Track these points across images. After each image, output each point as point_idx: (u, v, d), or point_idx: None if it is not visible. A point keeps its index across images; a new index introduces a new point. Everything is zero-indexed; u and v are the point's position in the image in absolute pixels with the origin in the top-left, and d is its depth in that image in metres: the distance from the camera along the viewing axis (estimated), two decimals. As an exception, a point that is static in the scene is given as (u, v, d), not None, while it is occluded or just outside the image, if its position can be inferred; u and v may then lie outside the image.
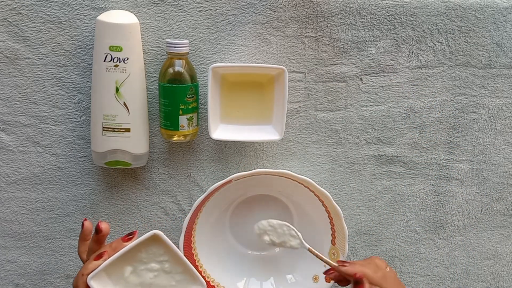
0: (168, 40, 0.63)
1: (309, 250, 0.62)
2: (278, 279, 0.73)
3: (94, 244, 0.54)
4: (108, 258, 0.52)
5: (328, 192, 0.66)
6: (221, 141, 0.69)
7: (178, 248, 0.66)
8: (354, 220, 0.74)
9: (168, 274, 0.56)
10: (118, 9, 0.64)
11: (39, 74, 0.66)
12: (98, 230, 0.53)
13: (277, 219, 0.72)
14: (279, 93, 0.65)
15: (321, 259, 0.60)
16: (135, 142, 0.65)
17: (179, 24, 0.65)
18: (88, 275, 0.51)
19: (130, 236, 0.54)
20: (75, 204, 0.71)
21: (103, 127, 0.63)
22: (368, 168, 0.72)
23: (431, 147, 0.72)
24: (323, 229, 0.70)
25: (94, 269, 0.51)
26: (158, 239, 0.54)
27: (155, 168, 0.70)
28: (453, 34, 0.68)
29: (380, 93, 0.69)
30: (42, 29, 0.64)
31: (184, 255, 0.66)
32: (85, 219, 0.55)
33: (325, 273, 0.59)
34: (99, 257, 0.52)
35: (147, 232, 0.72)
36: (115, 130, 0.63)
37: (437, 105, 0.70)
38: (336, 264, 0.57)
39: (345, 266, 0.56)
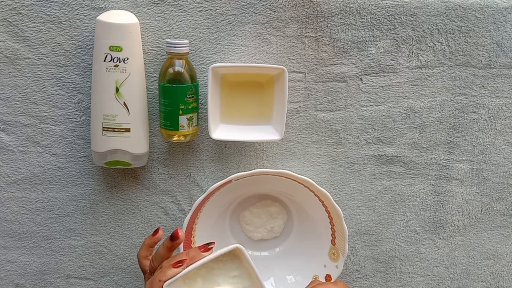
0: (168, 40, 0.63)
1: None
2: (278, 279, 0.73)
3: (165, 250, 0.54)
4: (187, 267, 0.51)
5: (328, 192, 0.66)
6: (221, 141, 0.69)
7: (178, 248, 0.66)
8: (354, 220, 0.74)
9: None
10: (118, 9, 0.64)
11: (39, 74, 0.66)
12: (175, 237, 0.53)
13: (277, 220, 0.72)
14: (279, 93, 0.65)
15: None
16: (135, 142, 0.65)
17: (179, 24, 0.65)
18: (165, 281, 0.51)
19: (210, 247, 0.53)
20: (75, 204, 0.71)
21: (103, 127, 0.63)
22: (368, 168, 0.72)
23: (431, 147, 0.72)
24: (323, 229, 0.70)
25: (173, 276, 0.51)
26: (238, 254, 0.53)
27: (155, 168, 0.70)
28: (453, 34, 0.68)
29: (380, 93, 0.69)
30: (42, 29, 0.64)
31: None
32: (160, 228, 0.56)
33: None
34: (179, 264, 0.52)
35: (147, 232, 0.73)
36: (115, 130, 0.63)
37: (437, 105, 0.70)
38: None
39: None
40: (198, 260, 0.52)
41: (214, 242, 0.54)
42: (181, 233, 0.53)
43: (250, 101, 0.67)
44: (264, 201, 0.72)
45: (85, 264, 0.73)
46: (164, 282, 0.51)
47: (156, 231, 0.55)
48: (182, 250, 0.66)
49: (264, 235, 0.73)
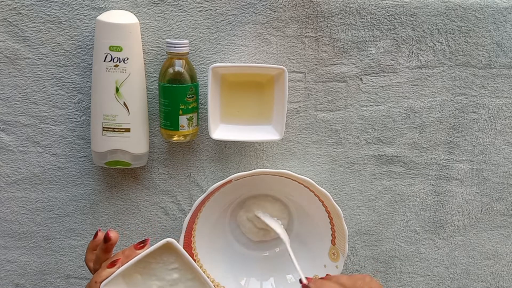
0: (168, 40, 0.63)
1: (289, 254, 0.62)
2: (278, 279, 0.73)
3: (102, 252, 0.54)
4: (122, 265, 0.52)
5: (328, 192, 0.66)
6: (221, 141, 0.69)
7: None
8: (354, 220, 0.74)
9: (177, 284, 0.56)
10: (118, 9, 0.64)
11: (39, 74, 0.66)
12: (107, 238, 0.53)
13: (277, 219, 0.72)
14: (279, 93, 0.65)
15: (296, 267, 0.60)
16: (135, 142, 0.65)
17: (179, 24, 0.65)
18: (101, 282, 0.51)
19: (143, 244, 0.53)
20: (75, 204, 0.71)
21: (103, 127, 0.63)
22: (368, 168, 0.72)
23: (431, 147, 0.72)
24: (323, 229, 0.70)
25: (108, 277, 0.51)
26: (171, 247, 0.54)
27: (155, 168, 0.70)
28: (453, 34, 0.68)
29: (380, 93, 0.69)
30: (42, 29, 0.64)
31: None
32: (99, 230, 0.56)
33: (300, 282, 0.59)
34: (113, 264, 0.52)
35: (147, 232, 0.73)
36: (115, 130, 0.63)
37: (437, 105, 0.70)
38: (305, 281, 0.58)
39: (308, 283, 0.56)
40: (132, 258, 0.52)
41: (148, 239, 0.54)
42: (113, 234, 0.53)
43: (250, 101, 0.67)
44: (264, 203, 0.72)
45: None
46: (100, 283, 0.51)
47: (95, 234, 0.56)
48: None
49: (263, 237, 0.73)
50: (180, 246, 0.54)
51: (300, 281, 0.59)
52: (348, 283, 0.55)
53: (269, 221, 0.69)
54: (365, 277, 0.55)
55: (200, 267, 0.69)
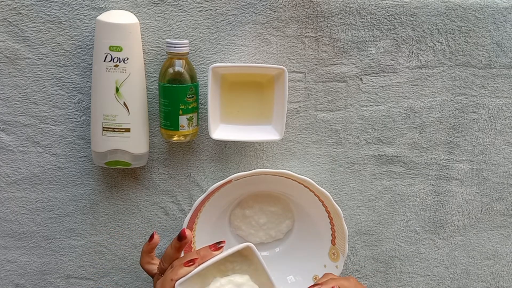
0: (168, 40, 0.63)
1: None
2: (278, 279, 0.72)
3: (173, 251, 0.54)
4: (198, 265, 0.52)
5: (328, 192, 0.66)
6: (221, 141, 0.69)
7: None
8: (354, 220, 0.74)
9: None
10: (118, 9, 0.64)
11: (39, 74, 0.66)
12: (182, 236, 0.53)
13: (278, 219, 0.72)
14: (279, 93, 0.65)
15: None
16: (135, 142, 0.65)
17: (179, 24, 0.65)
18: (177, 280, 0.51)
19: (220, 245, 0.54)
20: (75, 204, 0.71)
21: (103, 127, 0.63)
22: (368, 168, 0.72)
23: (431, 147, 0.72)
24: (323, 229, 0.70)
25: (184, 275, 0.51)
26: (249, 252, 0.53)
27: (155, 168, 0.70)
28: (453, 34, 0.68)
29: (380, 93, 0.69)
30: (42, 29, 0.64)
31: (185, 254, 0.66)
32: (155, 232, 0.56)
33: None
34: (190, 263, 0.52)
35: (147, 232, 0.73)
36: (115, 130, 0.63)
37: (437, 105, 0.70)
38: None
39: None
40: (209, 259, 0.52)
41: (224, 241, 0.55)
42: (188, 233, 0.53)
43: (250, 101, 0.67)
44: (263, 206, 0.72)
45: (85, 264, 0.73)
46: (176, 281, 0.51)
47: (151, 237, 0.56)
48: (182, 255, 0.66)
49: (263, 239, 0.73)
50: (257, 252, 0.54)
51: None
52: (345, 283, 0.56)
53: None
54: (350, 278, 0.58)
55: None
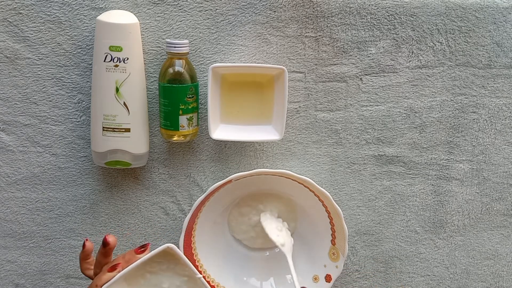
0: (168, 40, 0.63)
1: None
2: (278, 279, 0.73)
3: (101, 257, 0.54)
4: (122, 270, 0.52)
5: (328, 192, 0.66)
6: (221, 141, 0.69)
7: (178, 248, 0.66)
8: (354, 220, 0.74)
9: None
10: (118, 9, 0.64)
11: (39, 74, 0.66)
12: (105, 243, 0.53)
13: (278, 219, 0.72)
14: (279, 93, 0.65)
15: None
16: (135, 142, 0.65)
17: (179, 24, 0.65)
18: (101, 286, 0.51)
19: (143, 249, 0.54)
20: (75, 204, 0.71)
21: (103, 127, 0.63)
22: (368, 168, 0.72)
23: (431, 147, 0.72)
24: (323, 229, 0.70)
25: (108, 281, 0.52)
26: (171, 252, 0.54)
27: (155, 168, 0.70)
28: (453, 34, 0.68)
29: (380, 93, 0.69)
30: (42, 29, 0.64)
31: (184, 255, 0.66)
32: (87, 240, 0.56)
33: None
34: (113, 268, 0.52)
35: (147, 232, 0.73)
36: (115, 130, 0.63)
37: (437, 105, 0.70)
38: None
39: None
40: (133, 262, 0.53)
41: (148, 244, 0.55)
42: (111, 239, 0.53)
43: (250, 101, 0.67)
44: (266, 209, 0.72)
45: (85, 264, 0.73)
46: (101, 286, 0.51)
47: (83, 244, 0.56)
48: (182, 252, 0.66)
49: (262, 244, 0.73)
50: (180, 252, 0.54)
51: None
52: None
53: (270, 231, 0.68)
54: None
55: (200, 267, 0.69)
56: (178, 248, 0.66)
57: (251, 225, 0.72)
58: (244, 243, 0.73)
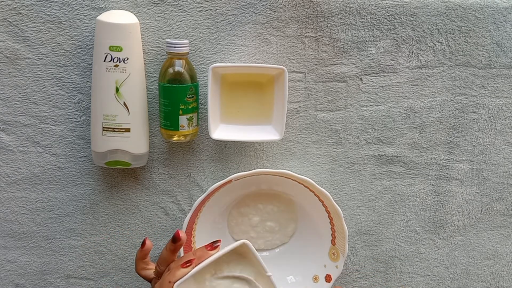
0: (168, 40, 0.63)
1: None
2: (278, 279, 0.72)
3: (169, 253, 0.54)
4: (195, 266, 0.52)
5: (328, 192, 0.66)
6: (221, 141, 0.69)
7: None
8: (354, 220, 0.74)
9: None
10: (118, 9, 0.64)
11: (39, 74, 0.66)
12: (176, 238, 0.53)
13: (278, 219, 0.72)
14: (279, 93, 0.65)
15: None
16: (135, 142, 0.65)
17: (179, 24, 0.65)
18: (175, 282, 0.51)
19: (216, 245, 0.54)
20: (75, 204, 0.71)
21: (103, 127, 0.63)
22: (368, 168, 0.72)
23: (431, 147, 0.72)
24: (323, 229, 0.70)
25: (182, 276, 0.51)
26: (245, 249, 0.53)
27: (155, 168, 0.70)
28: (453, 34, 0.68)
29: (380, 93, 0.69)
30: (42, 29, 0.64)
31: (185, 254, 0.66)
32: (147, 238, 0.56)
33: None
34: (187, 264, 0.52)
35: (147, 232, 0.73)
36: (115, 130, 0.63)
37: (437, 105, 0.70)
38: None
39: None
40: (206, 259, 0.52)
41: (220, 240, 0.54)
42: (182, 234, 0.53)
43: (250, 101, 0.67)
44: (267, 210, 0.72)
45: (85, 264, 0.73)
46: (174, 282, 0.51)
47: (143, 243, 0.56)
48: (182, 254, 0.66)
49: (268, 246, 0.73)
50: (254, 248, 0.54)
51: None
52: None
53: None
54: None
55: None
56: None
57: (251, 226, 0.72)
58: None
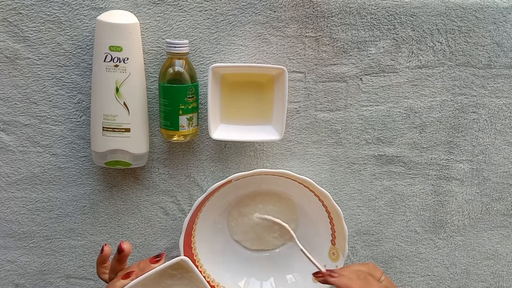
0: (168, 40, 0.63)
1: (301, 250, 0.62)
2: (278, 279, 0.73)
3: (116, 263, 0.55)
4: (136, 278, 0.53)
5: (328, 192, 0.66)
6: (221, 141, 0.69)
7: (178, 248, 0.66)
8: (354, 220, 0.74)
9: None
10: (118, 9, 0.64)
11: (39, 74, 0.66)
12: (120, 250, 0.54)
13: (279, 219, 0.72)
14: (279, 93, 0.65)
15: (312, 262, 0.60)
16: (135, 142, 0.65)
17: (179, 24, 0.65)
18: None
19: (158, 258, 0.54)
20: (75, 204, 0.71)
21: (103, 127, 0.63)
22: (368, 168, 0.72)
23: (431, 147, 0.72)
24: (323, 229, 0.70)
25: (122, 287, 0.52)
26: (185, 265, 0.54)
27: (155, 168, 0.70)
28: (453, 34, 0.68)
29: (380, 93, 0.69)
30: (42, 29, 0.64)
31: (184, 255, 0.66)
32: (105, 244, 0.57)
33: (313, 274, 0.59)
34: (127, 276, 0.53)
35: (147, 232, 0.73)
36: (115, 130, 0.63)
37: (437, 105, 0.70)
38: (324, 270, 0.56)
39: (333, 277, 0.55)
40: (147, 271, 0.53)
41: (164, 253, 0.55)
42: (126, 245, 0.54)
43: (250, 101, 0.67)
44: (267, 211, 0.72)
45: (85, 264, 0.73)
46: None
47: (102, 249, 0.57)
48: (182, 254, 0.66)
49: (261, 247, 0.73)
50: (193, 265, 0.54)
51: (316, 273, 0.58)
52: (363, 268, 0.56)
53: (274, 218, 0.69)
54: (369, 264, 0.57)
55: (200, 267, 0.69)
56: (178, 248, 0.66)
57: (251, 226, 0.72)
58: (243, 244, 0.73)
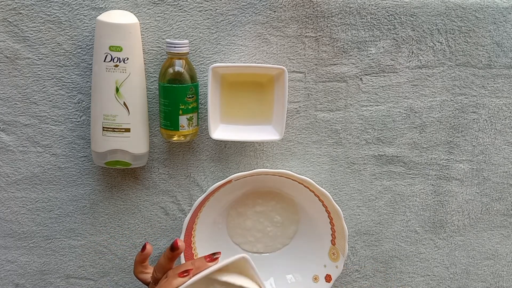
0: (168, 40, 0.63)
1: None
2: (278, 279, 0.73)
3: (167, 261, 0.54)
4: (193, 276, 0.52)
5: (328, 192, 0.66)
6: (221, 141, 0.69)
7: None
8: (354, 220, 0.74)
9: None
10: (118, 9, 0.64)
11: (39, 74, 0.66)
12: (174, 247, 0.53)
13: (278, 219, 0.72)
14: (279, 93, 0.65)
15: None
16: (135, 142, 0.65)
17: (179, 24, 0.65)
18: None
19: (216, 257, 0.54)
20: (75, 204, 0.71)
21: (103, 127, 0.63)
22: (368, 168, 0.72)
23: (431, 147, 0.72)
24: (323, 229, 0.70)
25: (179, 286, 0.51)
26: (245, 263, 0.53)
27: (155, 168, 0.70)
28: (453, 34, 0.68)
29: (380, 93, 0.69)
30: (42, 29, 0.64)
31: (184, 255, 0.66)
32: (147, 243, 0.56)
33: None
34: (185, 274, 0.52)
35: (147, 232, 0.73)
36: (115, 130, 0.63)
37: (437, 105, 0.70)
38: None
39: None
40: (203, 270, 0.52)
41: (219, 252, 0.54)
42: (181, 243, 0.53)
43: (250, 101, 0.67)
44: (268, 212, 0.72)
45: (85, 264, 0.73)
46: None
47: (144, 247, 0.56)
48: (183, 259, 0.66)
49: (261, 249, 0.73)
50: (253, 264, 0.53)
51: None
52: None
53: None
54: None
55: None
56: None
57: (251, 227, 0.72)
58: (242, 247, 0.73)
